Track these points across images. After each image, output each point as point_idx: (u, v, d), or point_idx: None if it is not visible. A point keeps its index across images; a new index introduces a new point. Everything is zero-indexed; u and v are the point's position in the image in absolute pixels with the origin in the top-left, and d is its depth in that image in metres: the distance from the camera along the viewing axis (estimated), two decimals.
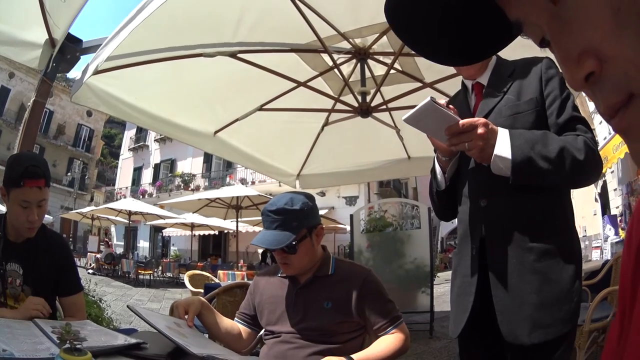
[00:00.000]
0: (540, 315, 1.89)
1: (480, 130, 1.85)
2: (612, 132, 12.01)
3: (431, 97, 1.85)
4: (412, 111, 1.89)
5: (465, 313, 2.10)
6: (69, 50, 4.29)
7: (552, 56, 0.61)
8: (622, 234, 13.67)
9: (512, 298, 1.95)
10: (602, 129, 16.44)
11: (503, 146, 1.87)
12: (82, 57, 4.42)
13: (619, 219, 14.58)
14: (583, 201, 19.39)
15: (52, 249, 2.77)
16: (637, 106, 0.51)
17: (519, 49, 1.68)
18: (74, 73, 4.67)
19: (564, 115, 2.03)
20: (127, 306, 2.39)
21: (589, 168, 1.92)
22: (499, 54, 2.35)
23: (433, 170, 2.42)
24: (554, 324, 1.89)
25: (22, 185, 2.48)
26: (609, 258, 8.86)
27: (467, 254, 2.16)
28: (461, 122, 1.85)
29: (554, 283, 1.93)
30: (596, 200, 18.60)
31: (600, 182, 17.69)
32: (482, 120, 1.88)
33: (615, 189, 16.04)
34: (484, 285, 2.06)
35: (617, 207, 15.55)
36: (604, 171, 13.01)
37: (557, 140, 1.91)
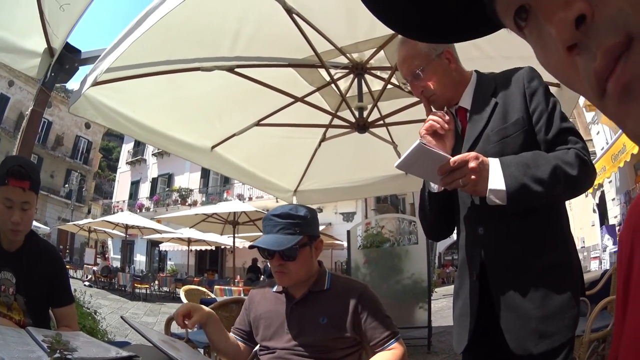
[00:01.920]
0: (546, 327, 1.91)
1: (472, 165, 1.85)
2: (610, 142, 11.98)
3: (420, 140, 1.87)
4: (402, 157, 1.90)
5: (467, 333, 2.11)
6: (67, 60, 4.29)
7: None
8: None
9: (517, 317, 1.97)
10: (599, 140, 16.59)
11: (496, 178, 1.87)
12: (80, 67, 4.42)
13: (617, 228, 14.69)
14: (581, 212, 19.59)
15: (45, 259, 2.77)
16: (637, 53, 0.47)
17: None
18: (74, 84, 4.69)
19: (552, 130, 2.02)
20: (121, 317, 2.39)
21: (582, 181, 1.93)
22: (480, 68, 2.36)
23: (422, 191, 2.39)
24: (559, 331, 1.91)
25: (6, 184, 2.48)
26: (608, 268, 8.86)
27: (468, 278, 2.17)
28: (452, 159, 1.86)
29: (555, 296, 1.94)
30: (594, 211, 18.74)
31: (598, 193, 17.85)
32: (473, 154, 1.88)
33: (613, 199, 16.17)
34: (485, 306, 2.07)
35: (616, 217, 15.66)
36: (601, 182, 13.12)
37: (548, 159, 1.91)
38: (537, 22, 0.54)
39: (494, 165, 1.89)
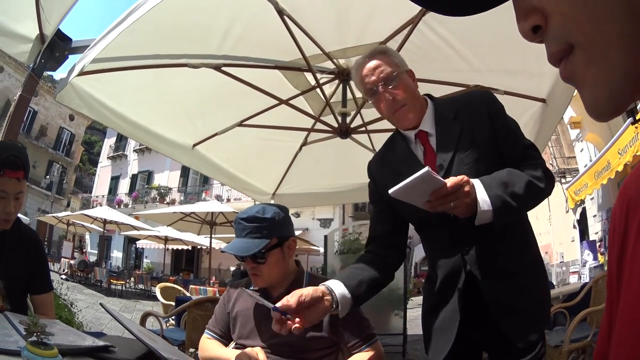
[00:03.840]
0: (537, 315, 2.16)
1: (467, 188, 1.90)
2: (593, 160, 12.17)
3: (428, 167, 1.83)
4: (404, 182, 1.84)
5: (448, 344, 2.16)
6: (57, 47, 4.27)
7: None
8: (601, 258, 13.97)
9: (516, 314, 2.10)
10: (582, 157, 16.81)
11: (482, 200, 1.94)
12: (70, 56, 4.40)
13: (598, 244, 14.89)
14: (561, 228, 19.86)
15: (26, 244, 2.76)
16: (575, 57, 0.60)
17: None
18: (61, 75, 4.68)
19: (518, 147, 2.19)
20: (100, 303, 2.40)
21: (548, 191, 2.10)
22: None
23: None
24: (543, 317, 2.21)
25: (2, 175, 2.46)
26: (588, 281, 8.99)
27: (452, 294, 2.20)
28: (449, 184, 1.88)
29: (537, 288, 2.20)
30: (574, 227, 18.93)
31: (579, 210, 18.07)
32: (465, 178, 1.93)
33: (594, 215, 16.35)
34: (467, 318, 2.16)
35: (597, 233, 15.84)
36: (583, 198, 13.32)
37: (521, 176, 2.03)
38: None
39: (478, 187, 1.96)
